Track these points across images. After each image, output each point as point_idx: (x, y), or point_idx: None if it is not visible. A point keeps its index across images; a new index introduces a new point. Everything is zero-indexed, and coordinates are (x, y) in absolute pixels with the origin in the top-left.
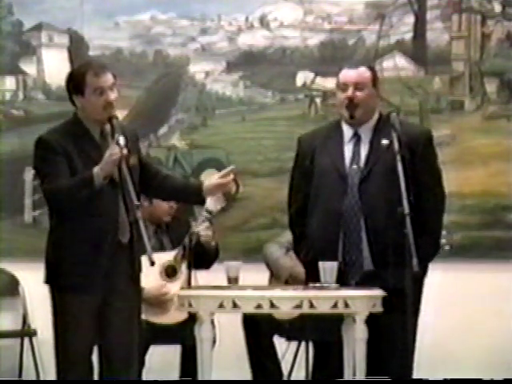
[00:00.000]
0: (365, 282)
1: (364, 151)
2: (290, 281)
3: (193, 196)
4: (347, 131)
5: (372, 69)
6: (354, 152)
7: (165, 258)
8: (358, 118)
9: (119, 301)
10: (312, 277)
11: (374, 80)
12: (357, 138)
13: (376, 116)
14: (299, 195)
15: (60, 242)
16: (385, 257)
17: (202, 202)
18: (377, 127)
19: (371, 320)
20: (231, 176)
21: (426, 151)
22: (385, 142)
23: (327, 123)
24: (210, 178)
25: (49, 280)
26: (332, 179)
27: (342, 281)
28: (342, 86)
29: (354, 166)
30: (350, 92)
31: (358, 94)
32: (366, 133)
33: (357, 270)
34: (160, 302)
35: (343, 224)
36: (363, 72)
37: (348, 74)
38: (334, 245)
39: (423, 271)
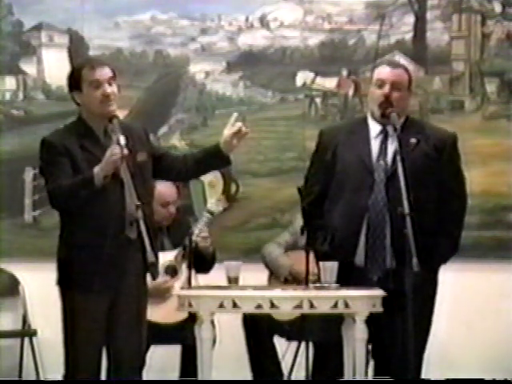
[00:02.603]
0: (386, 279)
1: (391, 148)
2: (289, 279)
3: (215, 159)
4: (374, 127)
5: (408, 71)
6: (380, 148)
7: (165, 258)
8: (389, 117)
9: (128, 299)
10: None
11: (410, 83)
12: (384, 134)
13: (404, 116)
14: (316, 188)
15: (69, 242)
16: (407, 255)
17: (227, 162)
18: (405, 125)
19: (378, 319)
20: (239, 123)
21: (452, 154)
22: (413, 140)
23: (352, 119)
24: (223, 134)
25: (60, 281)
26: (358, 173)
27: (363, 277)
28: (379, 83)
29: (381, 162)
30: (387, 89)
31: (395, 93)
32: (393, 130)
33: (379, 266)
34: (161, 296)
35: (368, 219)
36: (402, 73)
37: (387, 72)
38: (355, 239)
39: (435, 272)
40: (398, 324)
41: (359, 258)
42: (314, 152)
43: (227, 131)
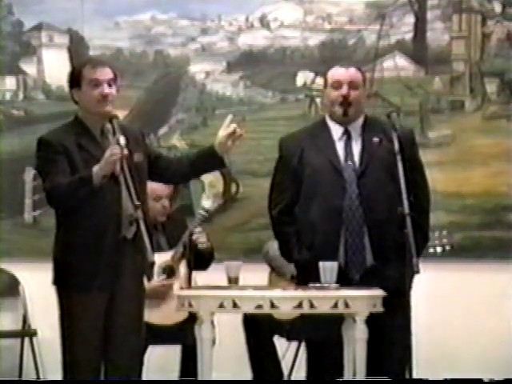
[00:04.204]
0: (367, 277)
1: (356, 148)
2: (295, 276)
3: (210, 161)
4: (336, 129)
5: (361, 70)
6: (346, 149)
7: (162, 258)
8: (350, 116)
9: (125, 299)
10: (305, 276)
11: (364, 81)
12: (347, 135)
13: (362, 115)
14: (285, 195)
15: (65, 241)
16: (386, 252)
17: (222, 164)
18: (365, 125)
19: (371, 318)
20: (233, 124)
21: (413, 150)
22: (376, 139)
23: (310, 123)
24: (217, 136)
25: (57, 281)
26: (328, 176)
27: (345, 277)
28: (335, 84)
29: (349, 163)
30: (344, 90)
31: (353, 92)
32: (355, 130)
33: (360, 265)
34: (160, 296)
35: (345, 220)
36: (356, 72)
37: (342, 73)
38: (335, 241)
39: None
40: (384, 322)
41: (341, 258)
42: (278, 160)
43: (222, 132)
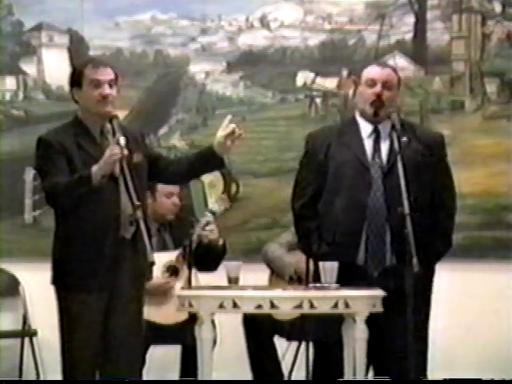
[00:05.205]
0: (386, 276)
1: (384, 147)
2: (294, 278)
3: (209, 161)
4: (365, 127)
5: (396, 71)
6: (374, 147)
7: (167, 258)
8: (381, 116)
9: (124, 299)
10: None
11: (399, 82)
12: (376, 133)
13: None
14: (308, 189)
15: (64, 241)
16: (406, 252)
17: (221, 164)
18: (394, 124)
19: (377, 319)
20: (232, 125)
21: (442, 153)
22: (405, 139)
23: (340, 120)
24: (216, 136)
25: (55, 280)
26: (355, 171)
27: (363, 274)
28: (370, 82)
29: (377, 160)
30: (378, 89)
31: (386, 92)
32: (385, 129)
33: (379, 262)
34: (162, 295)
35: (368, 216)
36: (391, 72)
37: (378, 71)
38: (357, 237)
39: (432, 270)
40: (397, 323)
41: (360, 255)
42: (304, 155)
43: (220, 133)
